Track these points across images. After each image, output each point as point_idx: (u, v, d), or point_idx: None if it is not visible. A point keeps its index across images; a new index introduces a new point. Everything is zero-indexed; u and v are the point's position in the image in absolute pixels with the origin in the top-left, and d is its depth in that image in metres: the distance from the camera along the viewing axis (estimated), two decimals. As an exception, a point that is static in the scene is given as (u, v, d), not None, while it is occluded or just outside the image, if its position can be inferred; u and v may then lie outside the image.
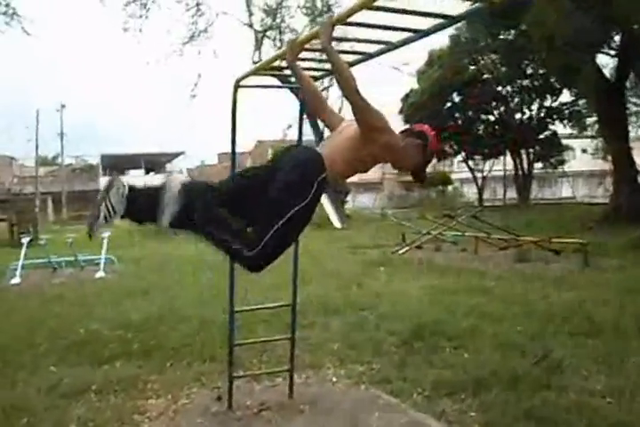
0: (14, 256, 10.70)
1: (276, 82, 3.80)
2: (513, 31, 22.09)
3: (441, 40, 26.71)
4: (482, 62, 27.32)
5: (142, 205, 2.63)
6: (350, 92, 2.59)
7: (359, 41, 3.04)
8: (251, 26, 23.14)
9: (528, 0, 14.62)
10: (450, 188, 41.51)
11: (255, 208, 2.63)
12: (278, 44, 22.26)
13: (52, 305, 7.58)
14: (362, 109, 2.60)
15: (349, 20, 2.62)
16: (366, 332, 5.83)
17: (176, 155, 48.91)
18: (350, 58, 3.23)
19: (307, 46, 3.03)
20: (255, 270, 2.64)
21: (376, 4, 2.41)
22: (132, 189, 2.62)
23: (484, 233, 12.90)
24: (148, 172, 46.07)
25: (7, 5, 17.05)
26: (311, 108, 3.22)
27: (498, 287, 7.84)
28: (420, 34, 2.70)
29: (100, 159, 47.31)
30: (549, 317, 5.98)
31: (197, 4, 21.39)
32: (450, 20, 2.57)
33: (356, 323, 6.17)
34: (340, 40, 3.24)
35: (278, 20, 22.33)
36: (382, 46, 3.02)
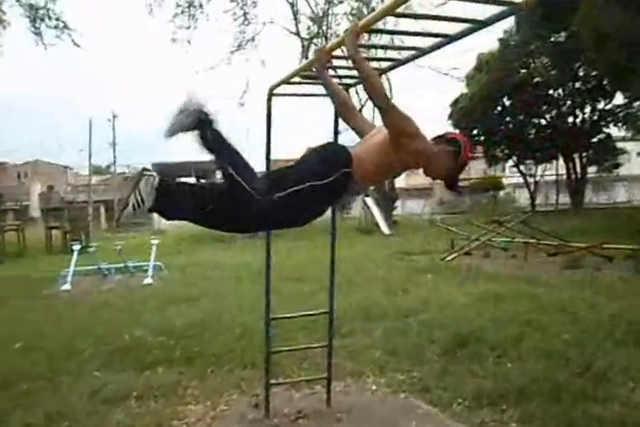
0: (66, 263, 10.95)
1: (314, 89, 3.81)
2: (563, 33, 21.71)
3: (490, 44, 26.40)
4: (532, 65, 26.89)
5: (174, 201, 2.57)
6: (379, 98, 2.57)
7: (389, 48, 3.02)
8: (297, 34, 23.29)
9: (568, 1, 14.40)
10: (501, 193, 40.89)
11: None
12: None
13: (99, 311, 7.74)
14: (391, 116, 2.57)
15: (378, 27, 2.61)
16: (409, 339, 5.77)
17: (226, 162, 49.40)
18: (384, 64, 3.23)
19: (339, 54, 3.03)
20: (246, 213, 2.56)
21: (404, 11, 2.40)
22: (163, 182, 2.55)
23: (534, 239, 12.66)
24: (198, 179, 46.70)
25: (58, 19, 17.55)
26: (340, 115, 3.22)
27: (546, 294, 7.65)
28: (448, 39, 2.67)
29: (151, 167, 48.10)
30: (597, 325, 5.79)
31: (245, 14, 21.64)
32: (478, 24, 2.52)
33: (399, 330, 6.10)
34: (368, 47, 3.21)
35: (325, 28, 22.39)
36: (414, 52, 3.01)
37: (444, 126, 28.77)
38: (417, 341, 5.68)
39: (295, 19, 23.23)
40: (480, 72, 27.21)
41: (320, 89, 3.22)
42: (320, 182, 2.59)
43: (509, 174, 40.45)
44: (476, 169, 39.42)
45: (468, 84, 28.34)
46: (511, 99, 28.46)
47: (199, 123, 2.46)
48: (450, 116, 29.69)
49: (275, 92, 3.77)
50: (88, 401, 4.37)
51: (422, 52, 2.92)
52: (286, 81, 3.55)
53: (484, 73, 26.56)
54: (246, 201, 2.50)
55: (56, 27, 17.61)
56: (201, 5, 21.08)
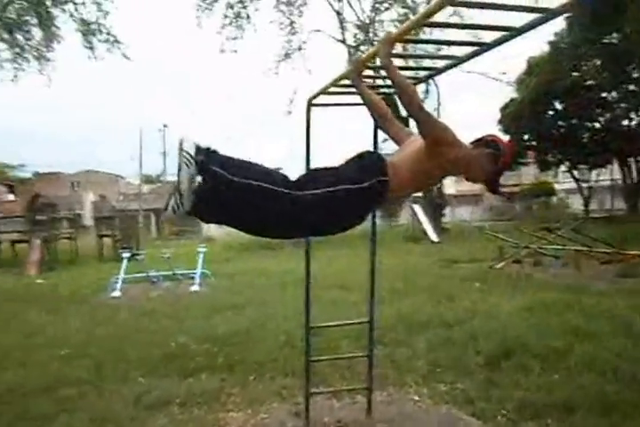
0: (116, 270, 11.16)
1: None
2: (615, 35, 21.23)
3: (537, 48, 26.00)
4: (584, 68, 26.29)
5: (212, 206, 2.56)
6: (413, 107, 2.55)
7: (425, 57, 3.01)
8: (343, 42, 23.34)
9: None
10: (554, 199, 40.07)
11: None
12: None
13: (147, 318, 7.85)
14: (427, 125, 2.55)
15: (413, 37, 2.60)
16: (453, 349, 5.67)
17: (275, 170, 49.88)
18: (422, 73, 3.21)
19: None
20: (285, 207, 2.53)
21: (440, 19, 2.38)
22: (202, 186, 2.52)
23: (586, 247, 12.35)
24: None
25: (108, 33, 18.09)
26: (379, 125, 3.20)
27: (597, 304, 7.42)
28: (485, 47, 2.64)
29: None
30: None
31: (291, 23, 21.84)
32: (515, 32, 2.49)
33: (444, 340, 6.01)
34: (404, 57, 3.20)
35: (371, 35, 22.37)
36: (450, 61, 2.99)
37: (488, 131, 28.30)
38: (461, 351, 5.58)
39: (341, 26, 23.30)
40: (530, 76, 26.75)
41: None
42: (354, 187, 2.56)
43: (562, 180, 39.62)
44: (527, 175, 38.77)
45: (518, 89, 27.89)
46: (563, 102, 27.88)
47: (201, 165, 2.47)
48: (500, 122, 29.28)
49: (314, 102, 3.78)
50: (133, 407, 4.44)
51: (460, 60, 2.89)
52: (324, 91, 3.56)
53: (534, 76, 26.11)
54: (276, 197, 2.49)
55: (107, 40, 18.17)
56: (248, 16, 21.38)
